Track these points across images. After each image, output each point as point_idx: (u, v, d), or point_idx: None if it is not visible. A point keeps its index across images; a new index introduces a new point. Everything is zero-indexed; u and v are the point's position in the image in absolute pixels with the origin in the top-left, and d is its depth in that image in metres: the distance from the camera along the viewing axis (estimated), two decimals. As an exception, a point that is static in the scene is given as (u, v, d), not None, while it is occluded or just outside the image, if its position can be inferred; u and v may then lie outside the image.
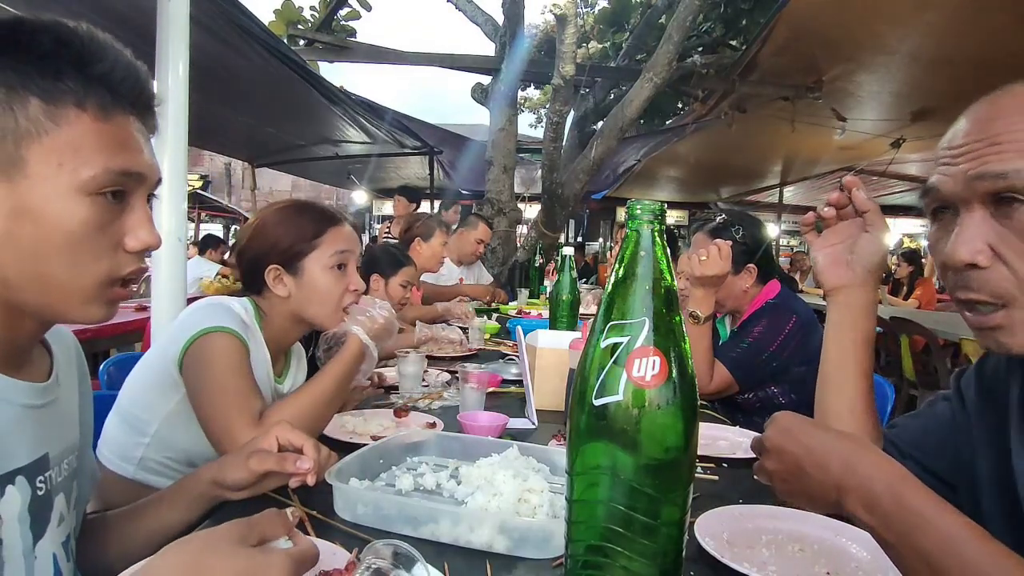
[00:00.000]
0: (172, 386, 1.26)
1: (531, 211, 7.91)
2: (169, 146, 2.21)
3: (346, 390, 1.34)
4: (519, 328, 1.86)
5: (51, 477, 0.74)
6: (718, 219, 2.06)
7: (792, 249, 12.85)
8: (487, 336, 2.81)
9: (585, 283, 6.24)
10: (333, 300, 1.37)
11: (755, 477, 0.82)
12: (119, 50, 0.69)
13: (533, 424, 1.50)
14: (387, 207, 14.63)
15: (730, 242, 1.85)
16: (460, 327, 2.96)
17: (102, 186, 0.66)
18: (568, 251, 2.52)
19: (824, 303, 1.10)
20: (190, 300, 1.65)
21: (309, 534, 0.91)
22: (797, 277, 8.03)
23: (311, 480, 0.94)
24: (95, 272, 0.68)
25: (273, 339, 1.38)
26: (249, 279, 1.39)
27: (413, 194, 5.46)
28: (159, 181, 0.74)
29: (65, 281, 0.66)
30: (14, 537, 0.68)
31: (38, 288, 0.67)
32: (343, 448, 1.24)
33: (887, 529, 0.67)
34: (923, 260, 7.84)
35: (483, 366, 2.12)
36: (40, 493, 0.72)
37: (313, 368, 1.62)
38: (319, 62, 6.56)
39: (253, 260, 1.37)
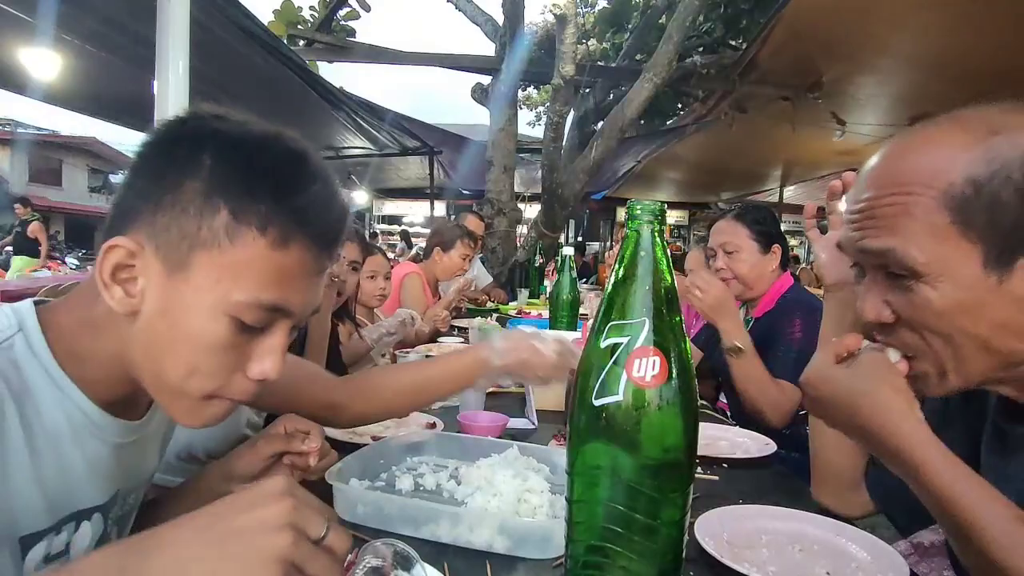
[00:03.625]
0: None
1: (531, 211, 7.91)
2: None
3: (445, 392, 1.19)
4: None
5: (116, 512, 0.75)
6: (735, 208, 2.05)
7: (792, 249, 12.86)
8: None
9: (585, 283, 6.24)
10: None
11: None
12: (326, 180, 0.68)
13: (533, 424, 1.50)
14: (388, 207, 14.63)
15: (701, 260, 1.85)
16: (456, 325, 2.97)
17: (245, 316, 0.65)
18: (568, 251, 2.52)
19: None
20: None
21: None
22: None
23: (313, 461, 0.94)
24: (205, 386, 0.67)
25: None
26: None
27: None
28: (313, 312, 0.72)
29: (175, 384, 0.66)
30: None
31: (150, 379, 0.67)
32: (343, 448, 1.24)
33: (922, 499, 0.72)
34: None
35: (483, 366, 2.12)
36: (108, 529, 0.73)
37: None
38: (318, 62, 6.57)
39: None
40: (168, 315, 0.64)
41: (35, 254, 8.90)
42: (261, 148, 0.65)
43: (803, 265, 10.13)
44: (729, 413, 2.07)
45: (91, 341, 0.68)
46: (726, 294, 1.72)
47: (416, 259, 3.52)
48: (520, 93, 8.54)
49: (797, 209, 13.93)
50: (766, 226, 1.97)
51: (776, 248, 1.97)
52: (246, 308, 0.64)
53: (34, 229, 8.93)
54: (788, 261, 2.06)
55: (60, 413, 0.67)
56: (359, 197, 12.84)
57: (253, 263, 0.63)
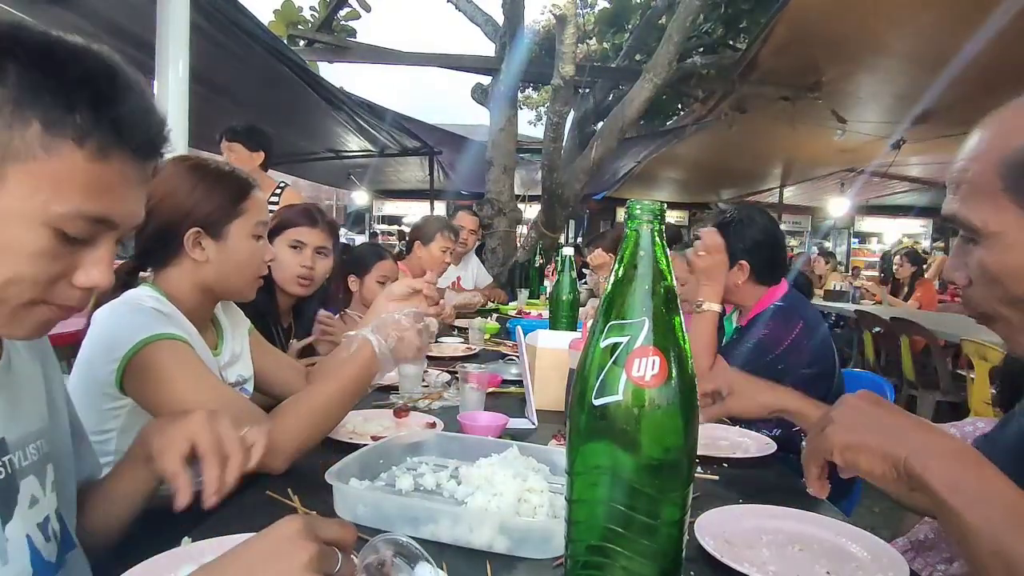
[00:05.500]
0: (112, 403, 1.19)
1: (531, 211, 7.91)
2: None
3: (356, 397, 1.26)
4: (519, 328, 1.86)
5: (12, 461, 0.74)
6: (726, 214, 2.04)
7: (792, 250, 12.84)
8: (487, 336, 2.82)
9: (585, 283, 6.22)
10: (253, 269, 1.35)
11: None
12: (142, 92, 0.67)
13: (533, 424, 1.50)
14: (387, 207, 14.62)
15: (715, 231, 1.90)
16: (456, 326, 2.97)
17: (67, 227, 0.64)
18: (568, 251, 2.52)
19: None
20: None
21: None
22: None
23: (212, 501, 0.82)
24: (32, 293, 0.66)
25: (190, 317, 1.29)
26: (156, 247, 1.29)
27: (256, 138, 3.29)
28: (137, 226, 0.72)
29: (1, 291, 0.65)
30: None
31: None
32: (343, 448, 1.24)
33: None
34: (926, 261, 7.80)
35: (483, 366, 2.12)
36: (1, 476, 0.72)
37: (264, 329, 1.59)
38: (319, 62, 6.57)
39: (166, 225, 1.26)
40: None
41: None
42: (72, 57, 0.64)
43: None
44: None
45: None
46: (722, 264, 1.89)
47: (400, 256, 3.51)
48: (520, 93, 8.53)
49: (797, 209, 13.96)
50: (731, 242, 1.97)
51: (743, 264, 1.98)
52: (68, 219, 0.64)
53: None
54: (781, 271, 2.04)
55: None
56: (359, 197, 12.85)
57: (72, 175, 0.63)
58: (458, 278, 4.24)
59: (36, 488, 0.76)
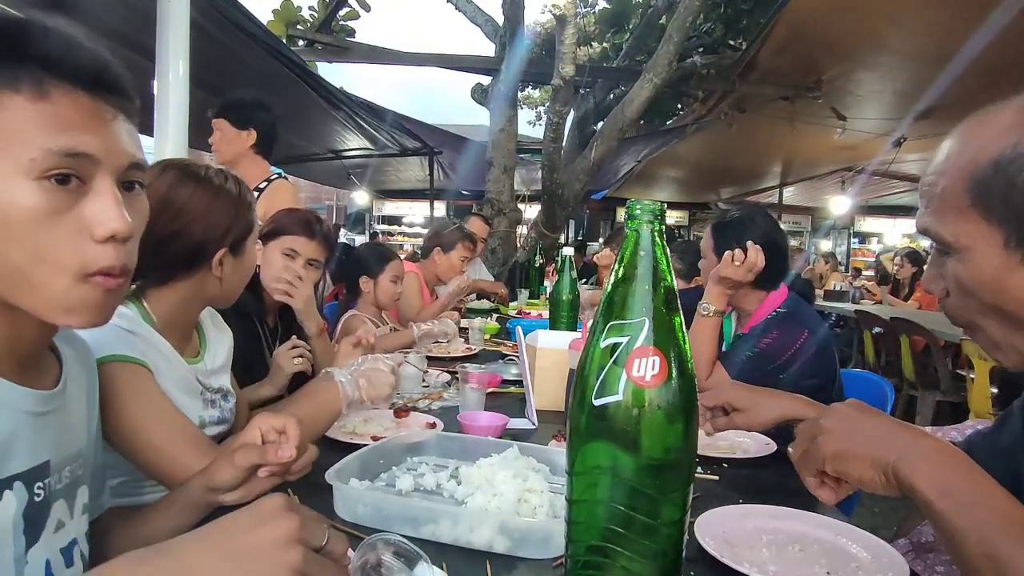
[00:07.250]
0: None
1: (531, 211, 7.91)
2: (169, 146, 2.21)
3: (314, 433, 1.21)
4: (519, 328, 1.86)
5: (50, 484, 0.73)
6: (730, 215, 2.01)
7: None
8: (487, 336, 2.82)
9: (585, 283, 6.23)
10: (249, 276, 1.35)
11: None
12: (55, 25, 0.65)
13: (533, 424, 1.50)
14: (387, 207, 14.62)
15: (760, 254, 1.84)
16: (459, 325, 2.97)
17: (46, 169, 0.63)
18: (568, 251, 2.52)
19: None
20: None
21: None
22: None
23: (289, 453, 0.88)
24: (63, 264, 0.64)
25: (172, 327, 1.23)
26: (180, 266, 1.22)
27: (245, 112, 2.66)
28: (134, 166, 0.69)
29: (34, 274, 0.64)
30: (6, 542, 0.67)
31: (10, 284, 0.64)
32: (343, 448, 1.24)
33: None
34: (926, 261, 7.80)
35: (483, 366, 2.12)
36: (37, 499, 0.71)
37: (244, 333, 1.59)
38: (318, 62, 6.57)
39: (199, 246, 1.21)
40: None
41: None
42: None
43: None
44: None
45: None
46: (741, 280, 1.86)
47: (413, 258, 3.54)
48: (520, 93, 8.54)
49: (797, 210, 13.95)
50: (729, 244, 1.93)
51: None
52: (43, 161, 0.62)
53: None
54: (775, 278, 1.96)
55: None
56: (359, 197, 12.85)
57: (23, 122, 0.62)
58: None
59: (64, 512, 0.75)
